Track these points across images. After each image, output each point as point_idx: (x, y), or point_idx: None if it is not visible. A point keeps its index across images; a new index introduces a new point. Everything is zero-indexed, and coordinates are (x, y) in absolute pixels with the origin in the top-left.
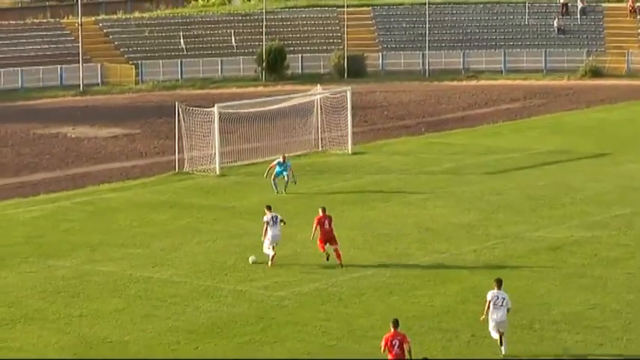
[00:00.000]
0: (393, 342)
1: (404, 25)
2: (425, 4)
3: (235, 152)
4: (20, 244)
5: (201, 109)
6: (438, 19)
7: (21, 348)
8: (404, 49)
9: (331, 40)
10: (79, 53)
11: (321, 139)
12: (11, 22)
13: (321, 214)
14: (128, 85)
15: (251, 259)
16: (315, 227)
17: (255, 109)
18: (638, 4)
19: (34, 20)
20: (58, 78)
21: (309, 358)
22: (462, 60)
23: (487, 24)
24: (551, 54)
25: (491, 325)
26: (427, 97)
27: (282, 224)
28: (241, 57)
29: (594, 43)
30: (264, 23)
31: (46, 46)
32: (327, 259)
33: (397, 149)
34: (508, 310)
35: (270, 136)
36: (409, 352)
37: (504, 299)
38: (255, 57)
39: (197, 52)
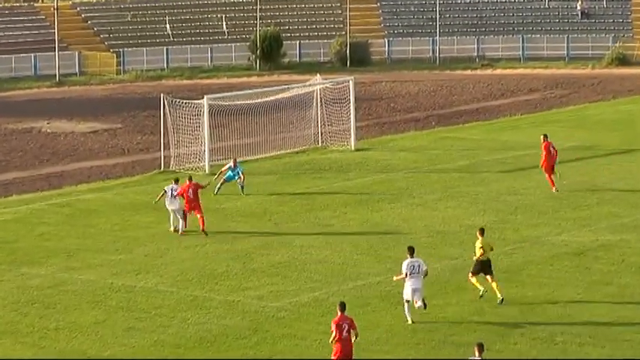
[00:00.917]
0: (343, 325)
1: (412, 9)
2: None
3: (227, 149)
4: None
5: (189, 102)
6: (450, 1)
7: None
8: (412, 34)
9: (332, 26)
10: (54, 40)
11: (322, 134)
12: None
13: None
14: (109, 75)
15: None
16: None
17: (249, 102)
18: None
19: (5, 4)
20: (31, 67)
21: None
22: (476, 47)
23: (504, 7)
24: (574, 40)
25: (407, 292)
26: (438, 88)
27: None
28: (233, 44)
29: (621, 27)
30: (259, 7)
31: (19, 32)
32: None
33: (405, 145)
34: (425, 275)
35: (265, 131)
36: (355, 336)
37: (419, 266)
38: (248, 44)
39: (185, 39)
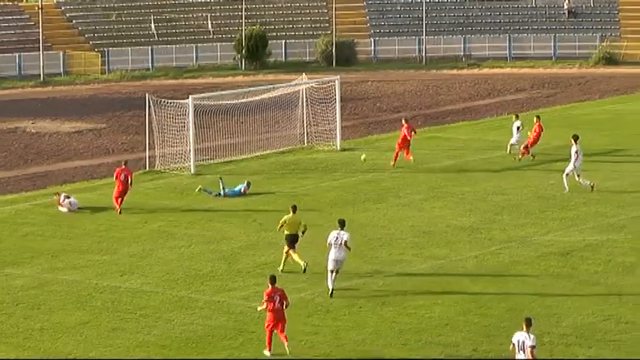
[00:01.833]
0: (274, 297)
1: (398, 8)
2: None
3: (212, 149)
4: None
5: (175, 102)
6: (437, 1)
7: None
8: (398, 34)
9: (318, 25)
10: (39, 40)
11: (307, 134)
12: None
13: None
14: (93, 74)
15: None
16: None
17: (234, 101)
18: None
19: None
20: (16, 67)
21: None
22: (462, 46)
23: (490, 6)
24: (561, 39)
25: (330, 263)
26: (424, 88)
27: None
28: (218, 43)
29: (608, 27)
30: (244, 6)
31: (3, 32)
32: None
33: (391, 145)
34: (349, 249)
35: (250, 131)
36: (286, 306)
37: (344, 238)
38: (233, 43)
39: (169, 39)
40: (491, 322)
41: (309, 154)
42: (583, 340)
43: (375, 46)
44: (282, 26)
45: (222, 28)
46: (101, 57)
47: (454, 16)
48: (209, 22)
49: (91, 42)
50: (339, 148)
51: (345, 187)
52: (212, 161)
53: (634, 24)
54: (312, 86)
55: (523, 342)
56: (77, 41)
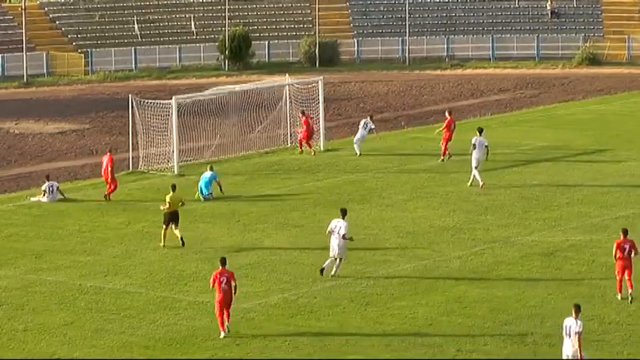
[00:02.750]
0: (221, 279)
1: (381, 9)
2: None
3: (196, 149)
4: None
5: (158, 102)
6: (420, 1)
7: None
8: (381, 34)
9: (301, 26)
10: (22, 40)
11: (291, 135)
12: None
13: None
14: (77, 75)
15: None
16: None
17: (218, 102)
18: None
19: None
20: None
21: None
22: (445, 46)
23: (473, 7)
24: (544, 40)
25: (330, 251)
26: (407, 88)
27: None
28: (202, 44)
29: (591, 27)
30: (227, 7)
31: None
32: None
33: (375, 145)
34: (344, 237)
35: (234, 131)
36: (234, 288)
37: (341, 227)
38: (217, 44)
39: (153, 39)
40: (475, 323)
41: (292, 155)
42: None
43: (358, 46)
44: (265, 27)
45: (205, 29)
46: (84, 58)
47: (437, 16)
48: (192, 22)
49: (74, 43)
50: (322, 148)
51: (329, 188)
52: (196, 161)
53: (617, 24)
54: (295, 87)
55: (570, 327)
56: (60, 42)
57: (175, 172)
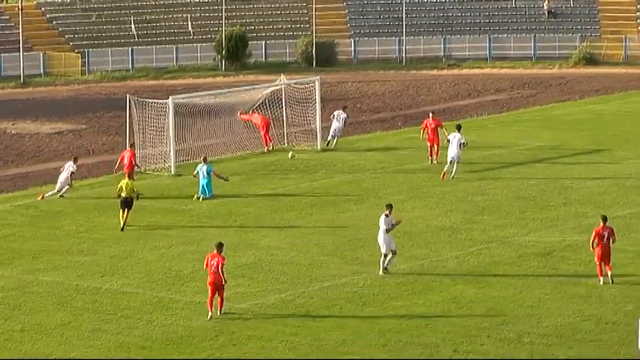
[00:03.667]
0: (212, 262)
1: (378, 9)
2: None
3: (192, 149)
4: None
5: (155, 102)
6: (416, 1)
7: None
8: (378, 34)
9: (298, 26)
10: (19, 40)
11: (287, 135)
12: None
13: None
14: (74, 75)
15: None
16: None
17: (214, 102)
18: None
19: None
20: None
21: None
22: (442, 46)
23: (470, 7)
24: (541, 39)
25: (382, 247)
26: (404, 88)
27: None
28: (199, 44)
29: (588, 27)
30: (224, 7)
31: None
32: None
33: (371, 145)
34: (387, 231)
35: (230, 131)
36: (223, 274)
37: (389, 221)
38: (213, 44)
39: (150, 39)
40: (472, 323)
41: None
42: (564, 340)
43: (355, 46)
44: (262, 27)
45: (202, 29)
46: (81, 58)
47: (434, 16)
48: (189, 22)
49: (71, 43)
50: (319, 148)
51: (326, 188)
52: (192, 161)
53: (614, 24)
54: (292, 87)
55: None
56: (57, 42)
57: (172, 172)
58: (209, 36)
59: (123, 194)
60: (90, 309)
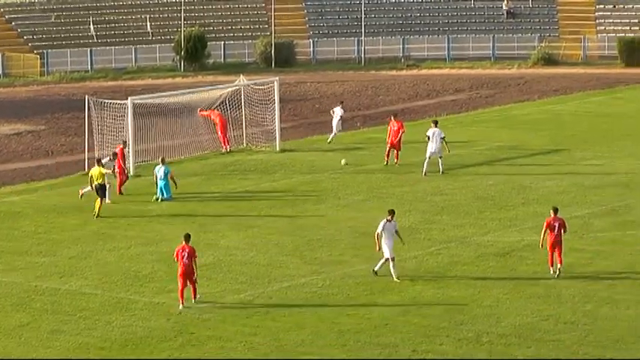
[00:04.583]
0: (183, 253)
1: (337, 9)
2: None
3: (152, 150)
4: None
5: (114, 103)
6: (375, 1)
7: None
8: (337, 34)
9: (257, 26)
10: None
11: (246, 135)
12: None
13: None
14: (33, 76)
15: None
16: None
17: (174, 102)
18: None
19: None
20: None
21: None
22: (401, 47)
23: (429, 7)
24: (499, 40)
25: (385, 250)
26: (363, 88)
27: None
28: (158, 45)
29: (547, 27)
30: (183, 7)
31: None
32: None
33: (330, 146)
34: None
35: (190, 132)
36: (195, 263)
37: (392, 226)
38: (172, 45)
39: (109, 40)
40: (431, 323)
41: (248, 155)
42: (522, 340)
43: (314, 47)
44: (221, 27)
45: (161, 30)
46: (40, 59)
47: (393, 17)
48: (148, 23)
49: (30, 44)
50: (278, 149)
51: (285, 188)
52: (151, 162)
53: (573, 24)
54: (251, 87)
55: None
56: (16, 43)
57: (131, 173)
58: (168, 37)
59: (95, 182)
60: (49, 310)
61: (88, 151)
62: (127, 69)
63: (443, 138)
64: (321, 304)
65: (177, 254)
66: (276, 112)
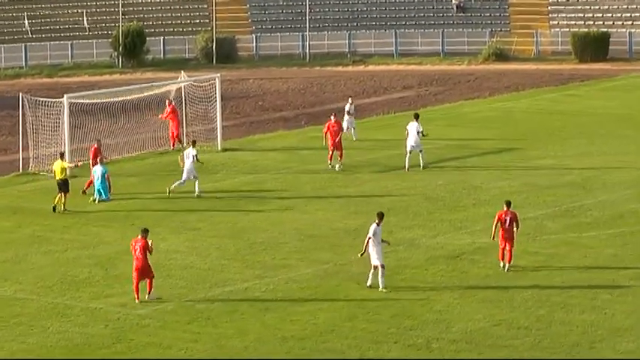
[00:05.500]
0: (135, 247)
1: (280, 3)
2: None
3: (88, 150)
4: None
5: (49, 101)
6: None
7: None
8: (281, 29)
9: (197, 21)
10: None
11: (187, 134)
12: None
13: None
14: None
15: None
16: None
17: (111, 100)
18: None
19: None
20: None
21: None
22: (347, 42)
23: (376, 1)
24: (449, 35)
25: (373, 257)
26: (308, 85)
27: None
28: (94, 40)
29: (498, 22)
30: (121, 1)
31: None
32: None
33: (274, 145)
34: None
35: (127, 130)
36: (149, 252)
37: (378, 234)
38: (110, 40)
39: (44, 35)
40: (379, 328)
41: None
42: (473, 346)
43: (256, 42)
44: (160, 22)
45: (98, 25)
46: None
47: (338, 11)
48: (85, 18)
49: None
50: (219, 148)
51: (227, 189)
52: (88, 162)
53: (524, 19)
54: (191, 84)
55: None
56: None
57: (67, 173)
58: (105, 32)
59: (58, 177)
60: None
61: (23, 151)
62: (63, 65)
63: (420, 132)
64: (264, 309)
65: (131, 248)
66: (218, 110)
